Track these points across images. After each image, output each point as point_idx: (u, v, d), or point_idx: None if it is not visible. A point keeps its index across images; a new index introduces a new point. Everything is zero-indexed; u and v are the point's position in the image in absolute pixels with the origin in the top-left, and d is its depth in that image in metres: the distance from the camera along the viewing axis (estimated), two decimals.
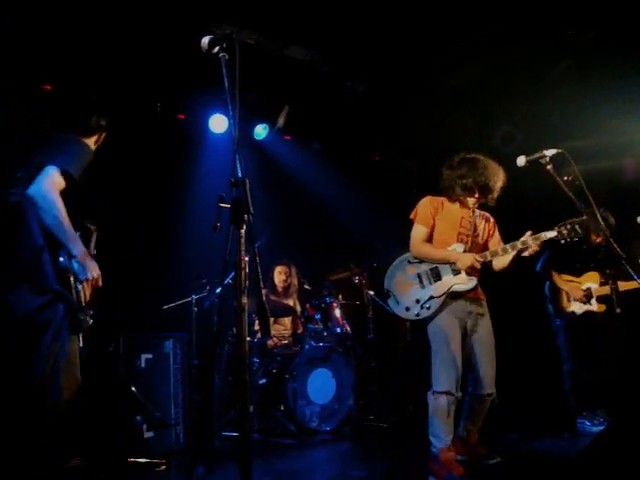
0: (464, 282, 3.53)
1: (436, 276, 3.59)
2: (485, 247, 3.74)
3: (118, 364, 4.06)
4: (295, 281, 5.77)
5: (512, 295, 6.17)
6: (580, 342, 4.75)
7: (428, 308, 3.53)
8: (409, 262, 3.72)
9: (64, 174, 2.65)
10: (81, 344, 2.73)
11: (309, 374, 4.83)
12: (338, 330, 5.21)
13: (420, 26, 5.06)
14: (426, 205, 3.72)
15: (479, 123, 6.61)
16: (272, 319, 5.57)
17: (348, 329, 5.26)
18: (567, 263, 4.88)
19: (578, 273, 4.86)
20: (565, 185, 3.12)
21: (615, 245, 2.98)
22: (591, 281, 4.80)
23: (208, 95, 5.76)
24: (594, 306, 4.71)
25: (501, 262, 3.59)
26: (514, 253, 3.46)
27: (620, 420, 2.90)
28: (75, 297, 2.65)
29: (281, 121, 6.21)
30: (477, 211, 3.77)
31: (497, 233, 3.84)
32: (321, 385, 4.86)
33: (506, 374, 5.71)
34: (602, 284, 4.76)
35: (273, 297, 5.58)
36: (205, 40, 2.32)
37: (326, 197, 6.64)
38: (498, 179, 3.61)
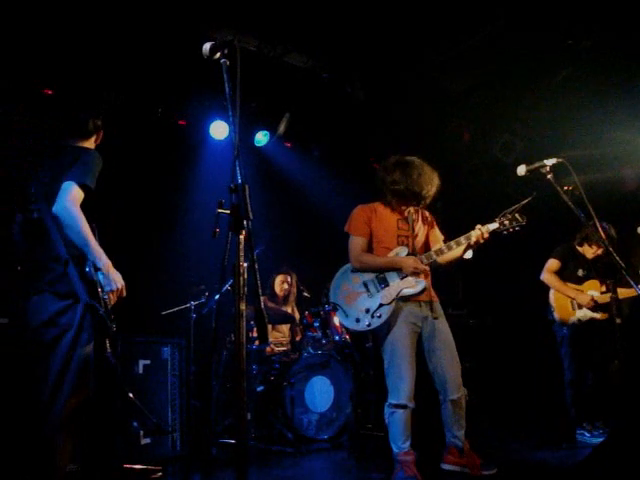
0: (412, 285, 3.46)
1: (383, 282, 3.51)
2: (427, 244, 3.70)
3: (115, 369, 4.04)
4: (295, 289, 5.77)
5: (514, 304, 6.18)
6: (582, 352, 4.73)
7: (379, 317, 3.44)
8: (352, 271, 3.65)
9: (82, 187, 2.72)
10: (109, 350, 2.80)
11: (307, 382, 4.81)
12: (337, 338, 5.19)
13: (420, 33, 5.09)
14: (359, 215, 3.67)
15: (479, 131, 6.63)
16: (270, 326, 5.56)
17: (347, 337, 5.23)
18: (569, 272, 4.87)
19: (580, 282, 4.85)
20: (565, 195, 3.12)
21: (615, 256, 2.98)
22: (593, 289, 4.80)
23: (209, 101, 5.78)
24: (598, 314, 4.71)
25: (447, 257, 3.55)
26: (462, 248, 3.47)
27: (620, 432, 2.89)
28: (103, 306, 2.74)
29: (282, 128, 6.22)
30: (411, 209, 3.69)
31: (436, 228, 3.81)
32: (319, 393, 4.84)
33: (507, 384, 5.72)
34: (603, 292, 4.75)
35: (272, 304, 5.57)
36: (206, 46, 2.32)
37: (326, 204, 6.64)
38: (432, 187, 3.56)
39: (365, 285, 3.56)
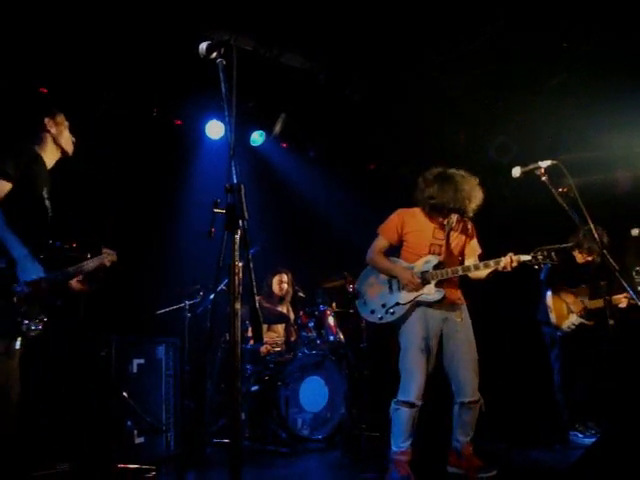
0: (431, 293, 3.54)
1: None
2: (461, 255, 3.75)
3: (110, 368, 4.04)
4: (291, 288, 5.78)
5: (507, 306, 6.19)
6: (573, 354, 4.76)
7: (392, 314, 3.56)
8: None
9: (4, 177, 2.79)
10: (17, 346, 2.77)
11: (301, 382, 4.82)
12: (331, 338, 5.19)
13: (416, 35, 5.09)
14: (393, 219, 3.74)
15: (474, 133, 6.64)
16: (265, 326, 5.56)
17: (341, 337, 5.24)
18: (563, 276, 4.89)
19: (572, 286, 4.87)
20: (560, 197, 3.13)
21: (610, 258, 2.99)
22: (583, 295, 4.83)
23: (205, 101, 5.77)
24: (586, 320, 4.73)
25: (474, 274, 3.60)
26: (489, 270, 3.51)
27: (612, 432, 2.90)
28: (16, 301, 2.73)
29: (277, 128, 6.22)
30: (454, 217, 3.73)
31: (474, 240, 3.84)
32: (313, 393, 4.85)
33: (500, 385, 5.73)
34: (591, 298, 4.78)
35: (267, 304, 5.57)
36: (203, 46, 2.32)
37: (321, 205, 6.65)
38: (469, 202, 3.57)
39: (389, 282, 3.67)
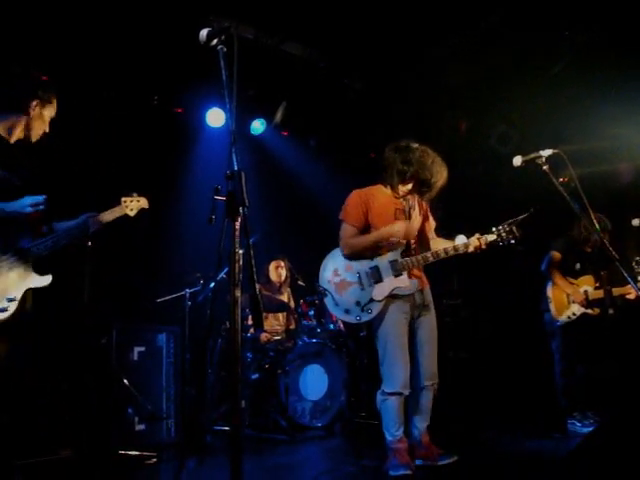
0: (406, 285, 3.42)
1: (377, 277, 3.45)
2: (422, 233, 3.71)
3: (110, 356, 4.06)
4: (289, 274, 5.78)
5: (506, 295, 6.20)
6: (573, 344, 4.76)
7: (369, 312, 3.41)
8: (345, 258, 3.58)
9: None
10: None
11: (301, 370, 4.84)
12: (331, 326, 5.22)
13: (417, 24, 5.07)
14: (355, 203, 3.56)
15: (476, 122, 6.62)
16: (266, 314, 5.57)
17: (341, 326, 5.26)
18: (567, 265, 4.88)
19: (576, 276, 4.87)
20: (560, 186, 3.12)
21: (610, 248, 2.99)
22: (587, 284, 4.82)
23: (206, 89, 5.75)
24: (590, 309, 4.73)
25: (442, 258, 3.52)
26: (459, 253, 3.46)
27: (610, 420, 2.91)
28: None
29: (278, 117, 6.20)
30: (412, 198, 3.65)
31: (430, 217, 3.80)
32: (313, 381, 4.87)
33: (498, 374, 5.75)
34: (596, 288, 4.78)
35: (267, 292, 5.58)
36: (203, 32, 2.31)
37: (321, 193, 6.63)
38: (440, 178, 3.50)
39: (359, 276, 3.49)
